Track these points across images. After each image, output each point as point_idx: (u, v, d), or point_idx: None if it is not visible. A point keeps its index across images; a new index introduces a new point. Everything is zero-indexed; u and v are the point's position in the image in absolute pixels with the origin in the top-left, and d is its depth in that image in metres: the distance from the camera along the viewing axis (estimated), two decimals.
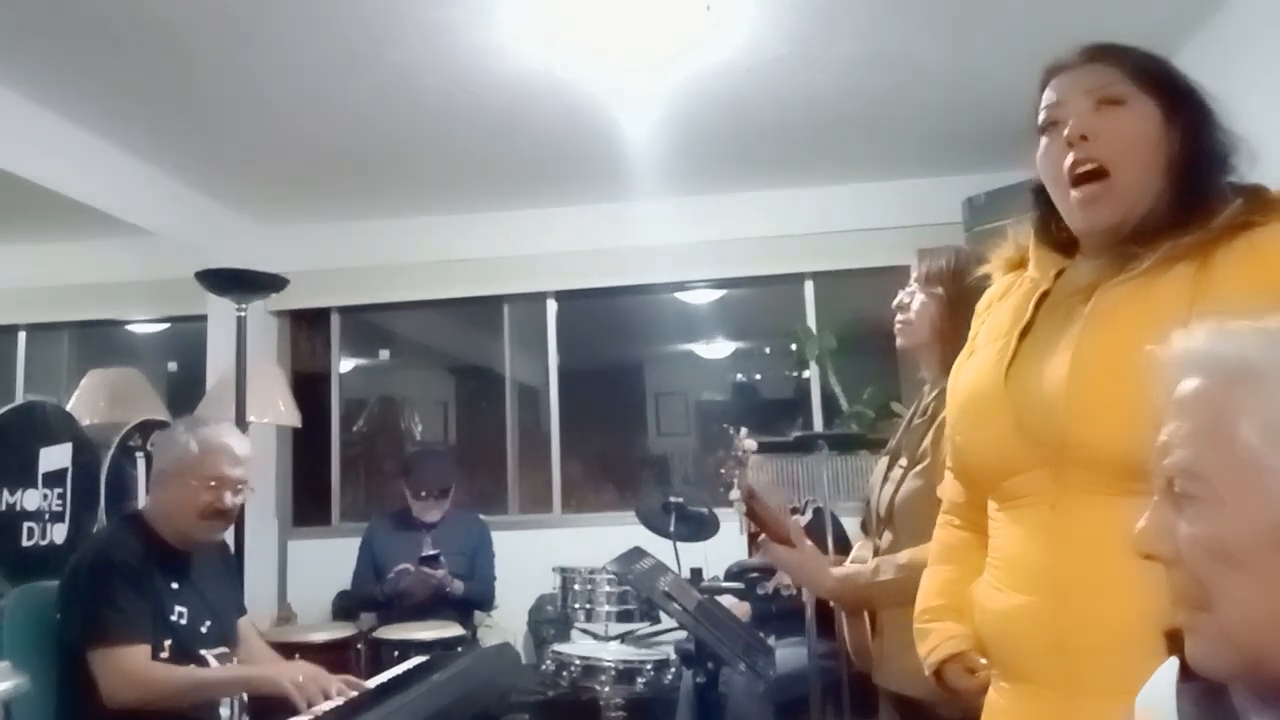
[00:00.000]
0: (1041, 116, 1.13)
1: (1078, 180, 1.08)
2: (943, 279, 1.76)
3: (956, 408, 1.19)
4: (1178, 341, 0.72)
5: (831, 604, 1.90)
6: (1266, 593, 0.65)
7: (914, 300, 1.81)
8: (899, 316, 1.83)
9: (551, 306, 5.06)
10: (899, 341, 1.85)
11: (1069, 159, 1.08)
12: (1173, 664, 0.75)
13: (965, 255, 1.77)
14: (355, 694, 2.17)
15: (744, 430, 1.86)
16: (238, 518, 2.51)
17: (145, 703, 1.98)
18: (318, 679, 2.07)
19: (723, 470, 1.87)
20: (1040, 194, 1.18)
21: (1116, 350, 0.98)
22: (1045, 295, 1.15)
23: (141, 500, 3.18)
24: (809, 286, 4.88)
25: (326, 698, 2.05)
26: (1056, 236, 1.17)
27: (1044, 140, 1.13)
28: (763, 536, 1.81)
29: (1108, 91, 1.08)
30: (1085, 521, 1.01)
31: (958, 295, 1.63)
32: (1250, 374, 0.67)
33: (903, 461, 1.73)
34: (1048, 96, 1.13)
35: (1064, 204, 1.11)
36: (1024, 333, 1.13)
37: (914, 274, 1.84)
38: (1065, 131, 1.09)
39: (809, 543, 1.74)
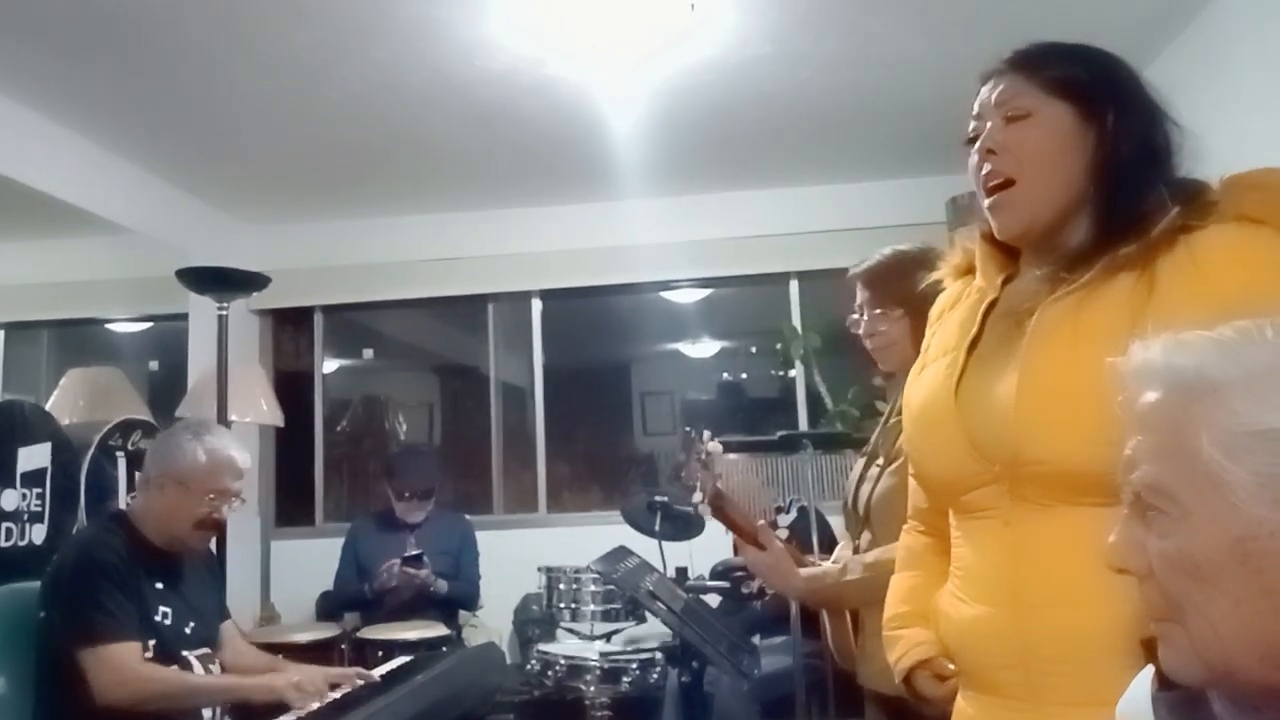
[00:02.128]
0: (970, 127, 1.16)
1: (989, 191, 1.12)
2: (898, 298, 1.74)
3: (910, 423, 1.20)
4: (1136, 353, 0.72)
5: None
6: (1234, 607, 0.64)
7: (886, 327, 1.78)
8: (871, 345, 1.81)
9: (537, 306, 5.05)
10: (883, 367, 1.82)
11: (982, 172, 1.12)
12: (1150, 672, 0.75)
13: (903, 260, 1.76)
14: (347, 690, 2.18)
15: (707, 433, 1.81)
16: None
17: (139, 701, 1.97)
18: (315, 681, 2.06)
19: (683, 475, 1.83)
20: None
21: (1062, 367, 0.99)
22: (994, 304, 1.16)
23: (122, 500, 3.15)
24: (794, 286, 4.89)
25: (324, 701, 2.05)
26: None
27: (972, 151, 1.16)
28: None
29: (1014, 106, 1.10)
30: (1041, 534, 1.02)
31: (921, 304, 1.57)
32: (1209, 387, 0.66)
33: (879, 460, 1.73)
34: (974, 107, 1.16)
35: (984, 212, 1.15)
36: (972, 345, 1.14)
37: (860, 298, 1.82)
38: (977, 145, 1.13)
39: (778, 544, 1.71)
